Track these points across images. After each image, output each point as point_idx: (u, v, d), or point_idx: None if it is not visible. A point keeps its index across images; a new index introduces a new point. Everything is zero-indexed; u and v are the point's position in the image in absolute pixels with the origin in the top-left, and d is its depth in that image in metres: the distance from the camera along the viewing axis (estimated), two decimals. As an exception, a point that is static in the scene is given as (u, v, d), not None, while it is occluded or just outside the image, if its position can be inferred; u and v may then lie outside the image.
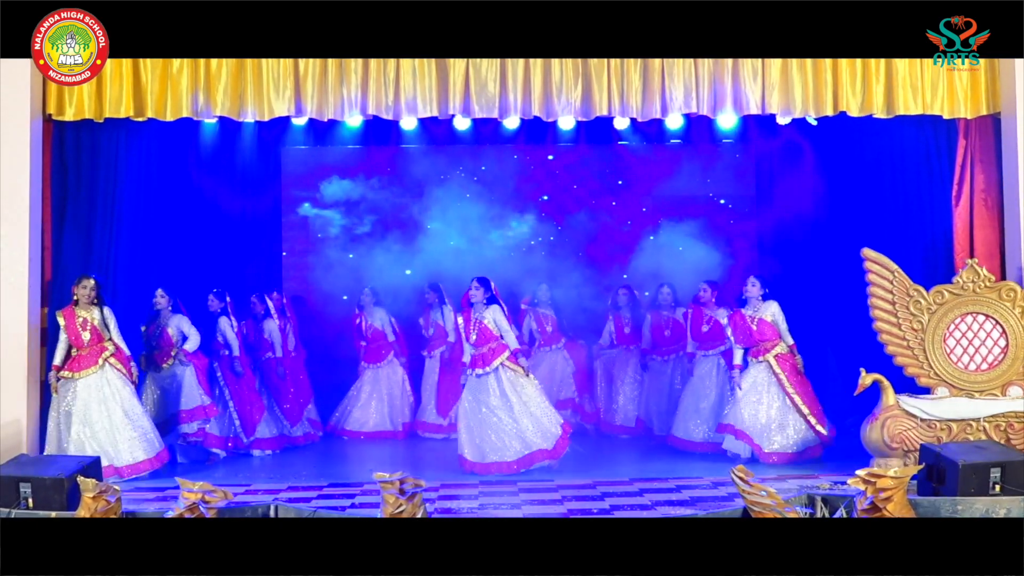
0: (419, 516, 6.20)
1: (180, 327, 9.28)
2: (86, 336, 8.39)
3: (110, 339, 8.46)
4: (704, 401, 9.64)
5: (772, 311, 9.05)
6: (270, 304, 10.35)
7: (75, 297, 8.44)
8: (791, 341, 9.05)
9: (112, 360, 8.43)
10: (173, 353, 9.23)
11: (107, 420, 8.30)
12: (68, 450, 8.11)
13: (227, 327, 9.72)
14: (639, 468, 8.77)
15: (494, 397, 8.65)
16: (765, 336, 9.00)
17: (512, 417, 8.60)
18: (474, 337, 8.73)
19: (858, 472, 6.34)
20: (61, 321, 8.41)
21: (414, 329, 11.22)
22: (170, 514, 6.31)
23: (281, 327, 10.53)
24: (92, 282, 8.46)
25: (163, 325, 9.28)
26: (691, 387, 9.82)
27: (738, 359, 9.15)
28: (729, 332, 9.20)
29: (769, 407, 8.91)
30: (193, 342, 9.27)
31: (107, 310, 8.51)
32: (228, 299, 9.79)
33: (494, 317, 8.74)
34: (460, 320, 8.88)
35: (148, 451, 8.41)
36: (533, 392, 8.73)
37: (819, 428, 8.84)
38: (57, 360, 8.41)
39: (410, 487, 6.17)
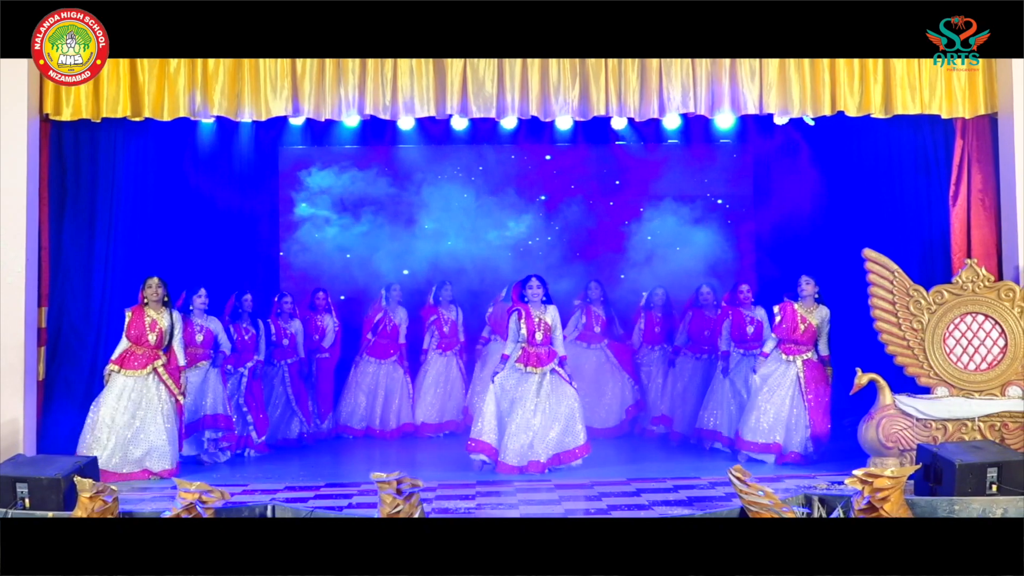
0: (416, 516, 6.20)
1: (217, 331, 9.34)
2: (152, 338, 8.38)
3: (168, 346, 8.45)
4: (735, 400, 9.64)
5: (823, 316, 9.04)
6: (287, 304, 10.45)
7: (144, 300, 8.46)
8: (828, 352, 9.06)
9: (160, 370, 8.39)
10: (211, 355, 9.28)
11: (133, 428, 8.26)
12: (88, 441, 8.15)
13: (263, 331, 9.88)
14: (637, 468, 8.78)
15: (532, 397, 8.59)
16: (807, 339, 9.01)
17: (543, 421, 8.56)
18: (540, 337, 8.66)
19: (855, 472, 6.36)
20: (128, 316, 8.43)
21: (411, 329, 11.23)
22: (167, 514, 6.31)
23: (319, 326, 10.72)
24: (156, 280, 8.50)
25: (205, 326, 9.27)
26: (729, 385, 9.77)
27: (768, 348, 9.17)
28: (777, 320, 9.11)
29: (781, 405, 8.91)
30: (227, 349, 9.38)
31: (176, 315, 8.54)
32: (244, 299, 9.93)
33: (554, 318, 8.76)
34: (521, 315, 8.68)
35: (167, 466, 8.33)
36: (572, 401, 8.69)
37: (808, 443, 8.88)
38: (115, 355, 8.43)
39: (407, 487, 6.17)
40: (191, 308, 9.27)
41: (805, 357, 9.00)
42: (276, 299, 10.51)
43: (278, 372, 10.32)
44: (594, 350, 10.88)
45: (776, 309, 9.20)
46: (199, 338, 9.21)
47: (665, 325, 10.86)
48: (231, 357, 9.62)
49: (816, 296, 9.10)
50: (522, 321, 8.69)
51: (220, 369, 9.35)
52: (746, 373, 9.55)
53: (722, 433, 9.63)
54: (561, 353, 8.80)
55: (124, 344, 8.44)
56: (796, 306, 9.07)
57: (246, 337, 9.79)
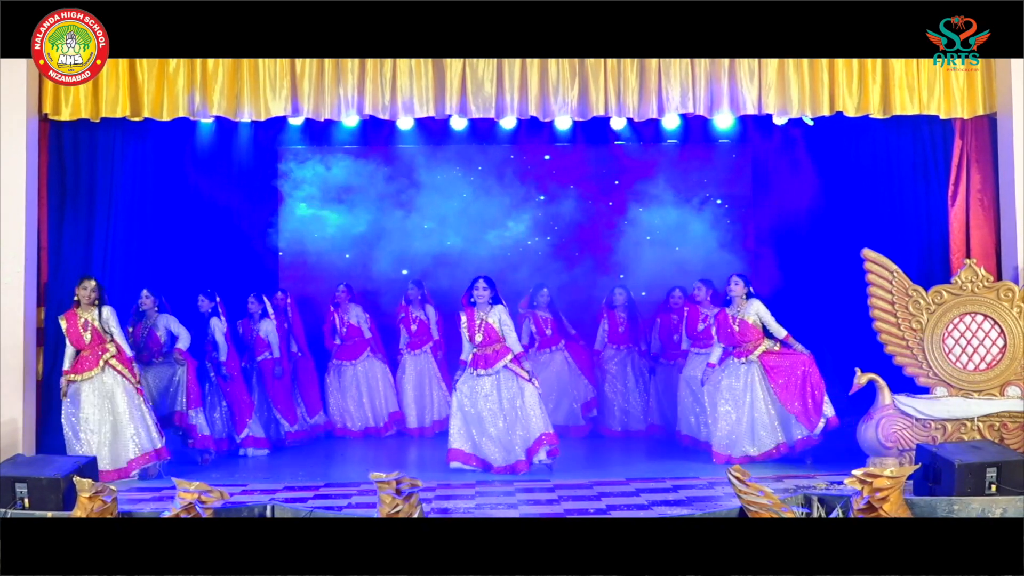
0: (415, 516, 6.20)
1: (168, 326, 9.24)
2: (87, 337, 8.36)
3: (112, 340, 8.42)
4: (694, 399, 9.63)
5: (755, 310, 8.94)
6: (267, 304, 10.35)
7: (76, 298, 8.41)
8: (784, 333, 8.93)
9: (113, 362, 8.38)
10: (165, 351, 9.19)
11: (109, 423, 8.29)
12: (80, 453, 8.12)
13: (217, 329, 9.67)
14: (636, 468, 8.77)
15: (491, 399, 8.61)
16: (747, 337, 8.93)
17: (505, 423, 8.56)
18: (480, 338, 8.65)
19: (854, 472, 6.35)
20: (63, 324, 8.39)
21: (394, 327, 11.24)
22: (166, 514, 6.30)
23: (282, 328, 10.54)
24: (93, 283, 8.43)
25: (150, 326, 9.24)
26: (685, 384, 9.81)
27: (714, 358, 9.14)
28: (714, 331, 9.21)
29: (750, 408, 8.84)
30: (185, 340, 9.22)
31: (107, 310, 8.46)
32: (218, 299, 9.77)
33: (499, 318, 8.69)
34: (464, 319, 8.77)
35: (148, 446, 8.37)
36: (532, 398, 8.64)
37: (803, 427, 8.75)
38: (66, 364, 8.40)
39: (406, 487, 6.17)
40: (142, 310, 9.21)
41: (760, 351, 8.92)
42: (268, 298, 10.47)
43: (252, 372, 10.24)
44: (555, 353, 10.87)
45: (712, 321, 9.28)
46: (139, 336, 9.14)
47: (629, 325, 10.85)
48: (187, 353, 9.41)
49: (745, 295, 9.02)
50: (463, 326, 8.75)
51: (188, 367, 9.21)
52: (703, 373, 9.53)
53: (682, 433, 9.75)
54: (516, 350, 8.73)
55: (70, 351, 8.42)
56: (727, 310, 9.05)
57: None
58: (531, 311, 10.94)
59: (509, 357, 8.66)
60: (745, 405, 8.86)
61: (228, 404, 9.66)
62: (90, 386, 8.33)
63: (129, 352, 8.54)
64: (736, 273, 9.23)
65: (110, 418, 8.32)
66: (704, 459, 9.08)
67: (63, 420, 8.31)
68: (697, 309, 10.01)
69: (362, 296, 11.41)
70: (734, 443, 8.86)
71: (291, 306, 10.82)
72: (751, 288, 9.06)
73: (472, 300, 8.78)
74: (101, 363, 8.36)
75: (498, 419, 8.58)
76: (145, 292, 9.30)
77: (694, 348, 9.92)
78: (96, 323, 8.39)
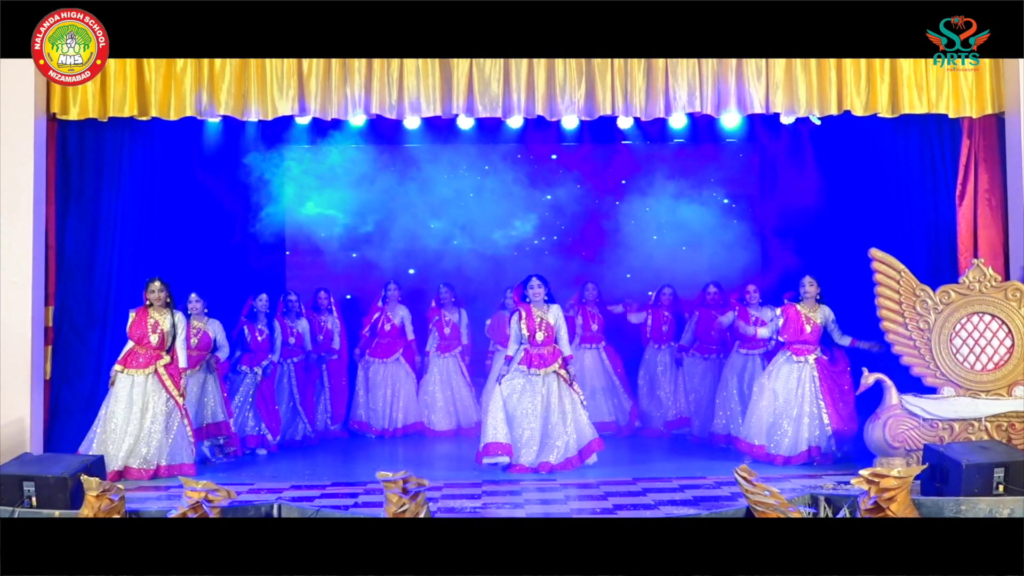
0: (422, 516, 6.20)
1: (217, 332, 9.32)
2: (154, 339, 8.45)
3: (171, 348, 8.48)
4: (740, 400, 9.68)
5: (827, 316, 8.99)
6: (293, 303, 10.45)
7: (148, 302, 8.52)
8: (848, 340, 8.99)
9: (162, 370, 8.43)
10: (207, 358, 9.25)
11: (133, 425, 8.30)
12: (93, 442, 8.24)
13: (279, 332, 9.92)
14: (642, 468, 8.77)
15: (538, 399, 8.57)
16: (815, 338, 8.95)
17: (549, 424, 8.55)
18: (542, 336, 8.61)
19: (861, 472, 6.34)
20: (131, 317, 8.50)
21: (417, 328, 11.24)
22: (173, 513, 6.30)
23: (325, 327, 10.67)
24: (158, 283, 8.55)
25: (202, 329, 9.23)
26: (736, 384, 9.82)
27: (764, 333, 9.27)
28: (780, 323, 9.09)
29: (790, 406, 8.83)
30: (225, 352, 9.37)
31: (179, 316, 8.58)
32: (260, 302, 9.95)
33: (557, 317, 8.70)
34: (521, 315, 8.64)
35: (165, 460, 8.39)
36: (577, 405, 8.65)
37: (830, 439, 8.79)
38: (121, 356, 8.49)
39: (413, 486, 6.17)
40: (188, 312, 9.22)
41: (815, 356, 8.95)
42: (282, 298, 10.50)
43: (285, 371, 10.31)
44: (593, 350, 10.86)
45: (778, 312, 9.19)
46: (194, 341, 9.15)
47: (673, 324, 10.85)
48: (245, 357, 9.64)
49: (817, 297, 9.06)
50: (522, 322, 8.66)
51: (218, 374, 9.32)
52: (752, 372, 9.55)
53: (730, 434, 9.69)
54: (567, 353, 8.74)
55: (129, 344, 8.50)
56: (798, 307, 9.04)
57: (260, 338, 9.81)
58: (582, 306, 10.93)
59: (560, 361, 8.64)
60: (794, 404, 8.83)
61: (266, 404, 9.73)
62: (131, 383, 8.37)
63: (183, 363, 8.57)
64: (811, 273, 9.23)
65: (145, 423, 8.33)
66: (712, 459, 9.06)
67: (101, 409, 8.37)
68: (747, 311, 10.02)
69: (369, 295, 11.42)
70: (772, 438, 8.85)
71: (336, 305, 10.90)
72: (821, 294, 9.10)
73: (526, 297, 8.76)
74: (152, 368, 8.41)
75: (539, 419, 8.54)
76: (194, 296, 9.32)
77: (743, 348, 9.94)
78: (165, 329, 8.47)
